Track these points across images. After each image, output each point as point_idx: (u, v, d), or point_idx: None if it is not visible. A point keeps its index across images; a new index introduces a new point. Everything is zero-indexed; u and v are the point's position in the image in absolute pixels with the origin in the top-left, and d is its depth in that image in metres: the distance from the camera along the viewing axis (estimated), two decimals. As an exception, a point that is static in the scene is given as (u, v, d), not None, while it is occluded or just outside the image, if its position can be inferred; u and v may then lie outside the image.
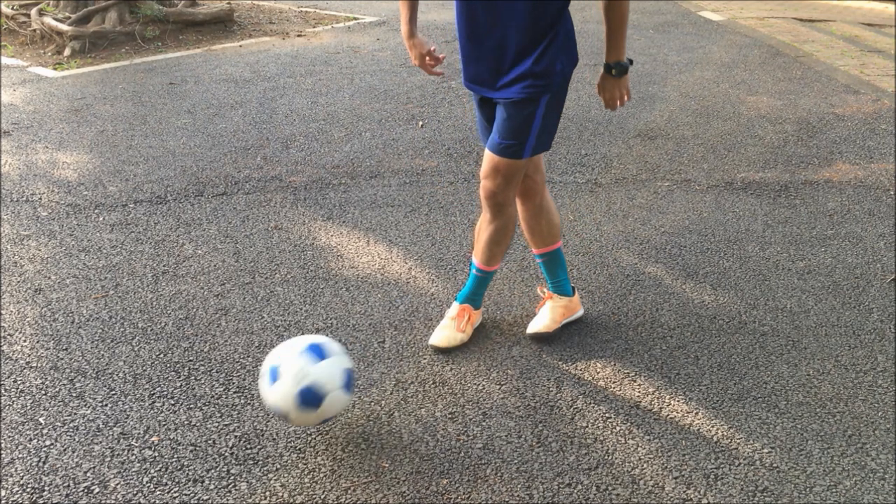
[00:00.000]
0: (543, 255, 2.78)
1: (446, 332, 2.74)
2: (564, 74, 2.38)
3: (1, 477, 2.15)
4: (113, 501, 2.07)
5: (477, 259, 2.70)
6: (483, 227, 2.64)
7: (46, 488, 2.11)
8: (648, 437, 2.32)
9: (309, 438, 2.30)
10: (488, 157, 2.48)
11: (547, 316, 2.80)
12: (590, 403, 2.46)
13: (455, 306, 2.78)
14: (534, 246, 2.78)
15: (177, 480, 2.14)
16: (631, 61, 2.43)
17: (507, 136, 2.39)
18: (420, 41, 2.54)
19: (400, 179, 4.18)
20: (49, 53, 6.86)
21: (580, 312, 2.89)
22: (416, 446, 2.27)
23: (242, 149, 4.59)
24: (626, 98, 2.50)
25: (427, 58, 2.55)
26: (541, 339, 2.77)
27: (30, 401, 2.45)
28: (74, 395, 2.48)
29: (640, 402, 2.47)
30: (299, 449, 2.26)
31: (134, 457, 2.22)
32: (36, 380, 2.55)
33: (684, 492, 2.12)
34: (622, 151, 4.57)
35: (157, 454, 2.23)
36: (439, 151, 4.58)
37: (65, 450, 2.25)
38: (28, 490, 2.10)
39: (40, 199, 3.91)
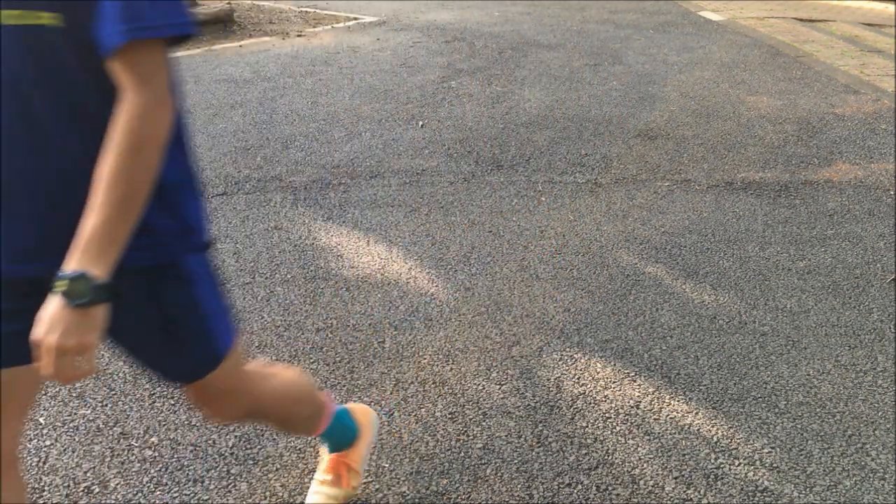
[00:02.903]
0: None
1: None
2: (194, 227, 1.40)
3: (1, 477, 2.15)
4: (113, 501, 2.07)
5: None
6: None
7: (46, 488, 2.11)
8: (648, 437, 2.32)
9: (309, 438, 2.29)
10: (189, 390, 1.54)
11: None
12: (590, 403, 2.46)
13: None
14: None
15: (177, 480, 2.14)
16: (115, 289, 1.18)
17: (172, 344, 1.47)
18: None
19: (400, 179, 4.18)
20: (49, 53, 6.86)
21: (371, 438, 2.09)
22: (416, 446, 2.27)
23: (242, 149, 4.59)
24: (86, 363, 1.18)
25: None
26: None
27: (30, 401, 2.45)
28: (74, 395, 2.48)
29: (640, 402, 2.47)
30: (299, 449, 2.26)
31: (134, 457, 2.22)
32: (36, 380, 2.55)
33: (684, 492, 2.12)
34: (622, 151, 4.57)
35: (157, 454, 2.23)
36: (439, 151, 4.58)
37: (65, 450, 2.25)
38: (28, 490, 2.10)
39: (40, 199, 3.90)
